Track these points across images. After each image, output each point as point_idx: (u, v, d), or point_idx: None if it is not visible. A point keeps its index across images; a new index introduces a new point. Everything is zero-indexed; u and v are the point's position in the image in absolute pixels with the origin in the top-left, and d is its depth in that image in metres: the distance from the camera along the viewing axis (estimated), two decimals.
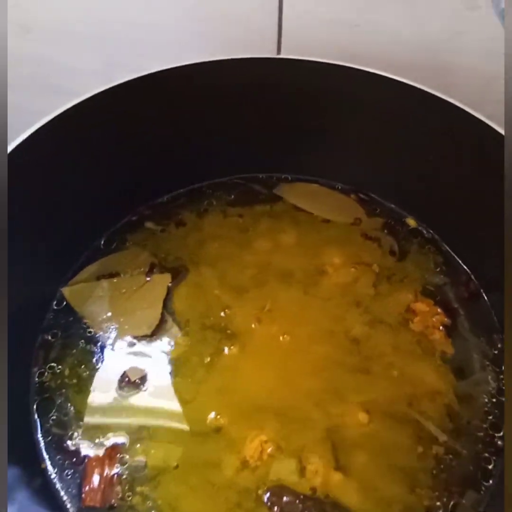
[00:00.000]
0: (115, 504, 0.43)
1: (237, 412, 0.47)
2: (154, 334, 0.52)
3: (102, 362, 0.51)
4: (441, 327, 0.53)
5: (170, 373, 0.50)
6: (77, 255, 0.58)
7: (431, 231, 0.61)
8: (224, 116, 0.57)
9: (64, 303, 0.55)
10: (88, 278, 0.56)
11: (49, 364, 0.51)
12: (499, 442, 0.46)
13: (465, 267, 0.58)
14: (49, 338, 0.53)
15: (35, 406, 0.49)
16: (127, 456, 0.45)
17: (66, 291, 0.55)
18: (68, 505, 0.44)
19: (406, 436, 0.47)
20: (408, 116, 0.53)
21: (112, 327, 0.53)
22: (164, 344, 0.52)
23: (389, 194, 0.63)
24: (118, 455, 0.45)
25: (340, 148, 0.60)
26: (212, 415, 0.47)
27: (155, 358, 0.51)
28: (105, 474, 0.44)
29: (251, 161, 0.64)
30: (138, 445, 0.46)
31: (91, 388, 0.49)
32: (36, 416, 0.48)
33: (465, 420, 0.48)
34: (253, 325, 0.52)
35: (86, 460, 0.45)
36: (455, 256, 0.58)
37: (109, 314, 0.54)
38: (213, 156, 0.62)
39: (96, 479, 0.44)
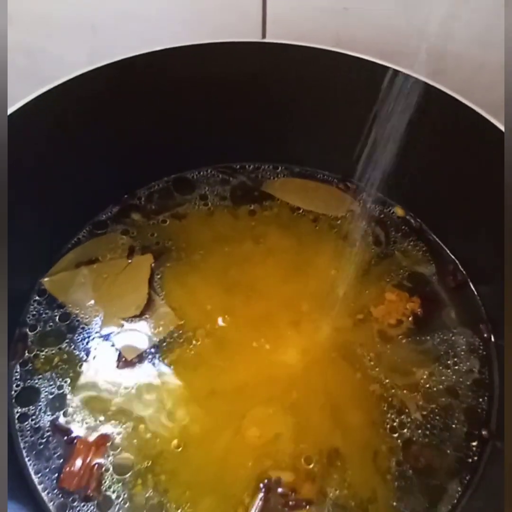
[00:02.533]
0: (91, 494, 0.42)
1: (236, 384, 0.47)
2: (143, 314, 0.51)
3: (93, 346, 0.50)
4: (410, 318, 0.51)
5: (166, 348, 0.49)
6: (58, 247, 0.56)
7: (419, 220, 0.59)
8: (207, 103, 0.55)
9: (46, 294, 0.53)
10: (67, 266, 0.55)
11: (35, 353, 0.49)
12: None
13: (452, 257, 0.56)
14: (32, 329, 0.51)
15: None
16: (114, 452, 0.44)
17: (46, 282, 0.54)
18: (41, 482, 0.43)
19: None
20: (398, 104, 0.50)
21: (99, 312, 0.52)
22: (155, 322, 0.51)
23: (377, 184, 0.61)
24: (107, 444, 0.44)
25: (326, 136, 0.58)
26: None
27: (148, 335, 0.50)
28: (88, 460, 0.43)
29: (237, 149, 0.63)
30: (130, 440, 0.45)
31: (86, 372, 0.48)
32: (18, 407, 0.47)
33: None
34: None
35: (74, 441, 0.44)
36: (443, 246, 0.57)
37: (93, 300, 0.53)
38: (196, 144, 0.60)
39: (78, 463, 0.43)
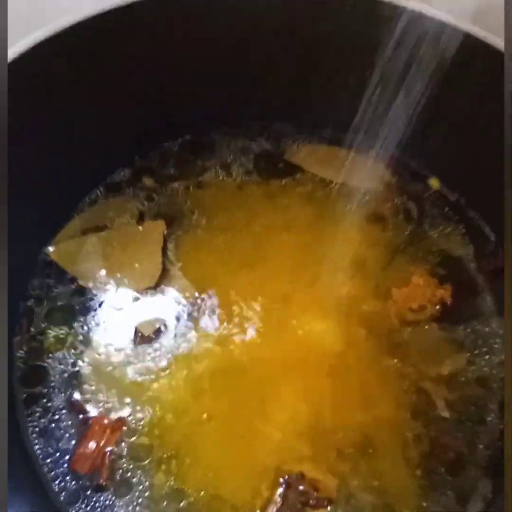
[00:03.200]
0: (104, 484, 0.40)
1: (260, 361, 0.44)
2: (158, 285, 0.48)
3: (107, 322, 0.47)
4: (437, 306, 0.47)
5: (185, 322, 0.47)
6: (62, 212, 0.52)
7: (457, 194, 0.54)
8: (222, 56, 0.49)
9: (52, 265, 0.49)
10: (73, 233, 0.51)
11: (42, 330, 0.46)
12: None
13: (494, 237, 0.51)
14: (38, 304, 0.48)
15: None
16: (132, 436, 0.42)
17: (51, 251, 0.50)
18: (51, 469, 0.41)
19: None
20: (433, 54, 0.44)
21: (110, 284, 0.49)
22: (171, 294, 0.48)
23: (410, 149, 0.55)
24: (124, 427, 0.42)
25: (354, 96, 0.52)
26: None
27: (165, 309, 0.48)
28: (102, 443, 0.41)
29: (261, 108, 0.56)
30: (149, 423, 0.42)
31: (101, 350, 0.46)
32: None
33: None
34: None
35: (90, 422, 0.42)
36: (484, 224, 0.52)
37: (104, 271, 0.49)
38: (213, 102, 0.53)
39: (92, 445, 0.41)
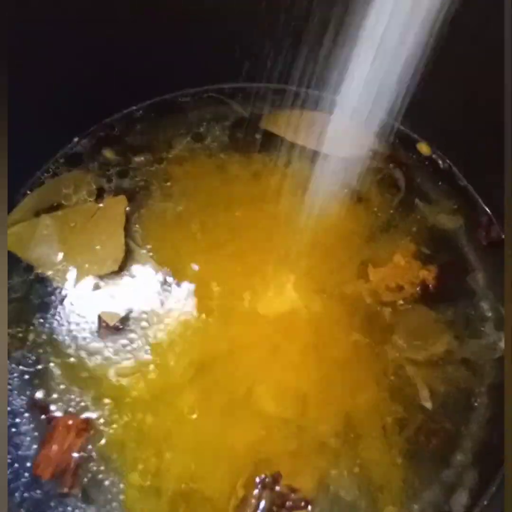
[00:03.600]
0: (66, 491, 0.37)
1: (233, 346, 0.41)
2: (122, 269, 0.44)
3: (68, 313, 0.43)
4: (417, 288, 0.44)
5: (154, 308, 0.43)
6: (10, 193, 0.46)
7: (448, 161, 0.49)
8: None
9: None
10: (24, 216, 0.46)
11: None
12: None
13: (487, 209, 0.47)
14: None
15: None
16: (99, 436, 0.39)
17: None
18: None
19: None
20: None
21: (69, 268, 0.45)
22: (137, 278, 0.44)
23: (397, 112, 0.50)
24: (90, 428, 0.39)
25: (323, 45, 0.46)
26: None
27: (132, 294, 0.44)
28: (66, 446, 0.38)
29: (230, 64, 0.50)
30: (117, 421, 0.39)
31: (64, 344, 0.42)
32: None
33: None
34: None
35: (52, 422, 0.39)
36: (476, 194, 0.48)
37: (61, 256, 0.45)
38: (183, 58, 0.48)
39: (55, 448, 0.38)
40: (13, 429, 0.39)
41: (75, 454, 0.38)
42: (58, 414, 0.39)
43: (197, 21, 0.46)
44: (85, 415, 0.39)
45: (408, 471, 0.38)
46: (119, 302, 0.43)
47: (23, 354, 0.41)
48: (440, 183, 0.48)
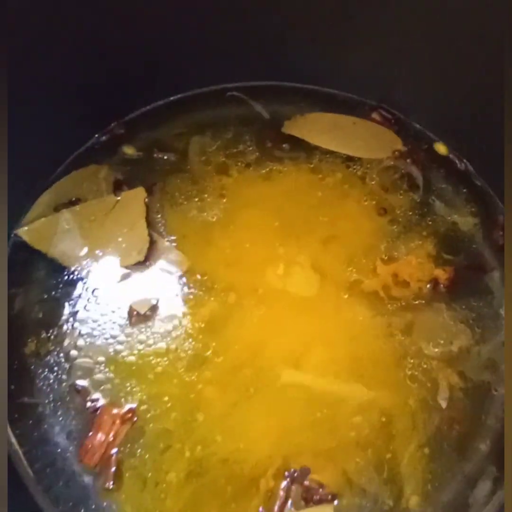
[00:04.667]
0: (109, 486, 0.38)
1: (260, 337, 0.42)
2: (148, 259, 0.45)
3: (98, 305, 0.44)
4: (427, 285, 0.45)
5: (181, 296, 0.44)
6: (29, 190, 0.47)
7: (465, 161, 0.51)
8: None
9: (26, 248, 0.45)
10: (44, 211, 0.47)
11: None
12: None
13: (503, 207, 0.48)
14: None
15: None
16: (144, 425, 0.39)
17: (23, 232, 0.46)
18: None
19: None
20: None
21: (95, 261, 0.45)
22: (163, 267, 0.45)
23: (417, 111, 0.51)
24: (134, 418, 0.40)
25: (361, 51, 0.48)
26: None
27: (159, 283, 0.45)
28: (111, 435, 0.39)
29: (252, 65, 0.52)
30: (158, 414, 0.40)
31: (99, 335, 0.43)
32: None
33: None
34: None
35: (97, 412, 0.40)
36: (493, 193, 0.49)
37: (85, 249, 0.45)
38: (202, 56, 0.48)
39: (101, 437, 0.39)
40: (60, 419, 0.40)
41: (116, 450, 0.38)
42: (102, 403, 0.40)
43: (220, 19, 0.46)
44: (129, 404, 0.40)
45: (432, 462, 0.39)
46: (148, 291, 0.44)
47: (61, 348, 0.42)
48: (457, 183, 0.49)
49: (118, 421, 0.39)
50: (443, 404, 0.40)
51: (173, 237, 0.46)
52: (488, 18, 0.39)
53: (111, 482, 0.38)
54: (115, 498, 0.38)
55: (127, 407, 0.40)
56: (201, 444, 0.39)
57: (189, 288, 0.44)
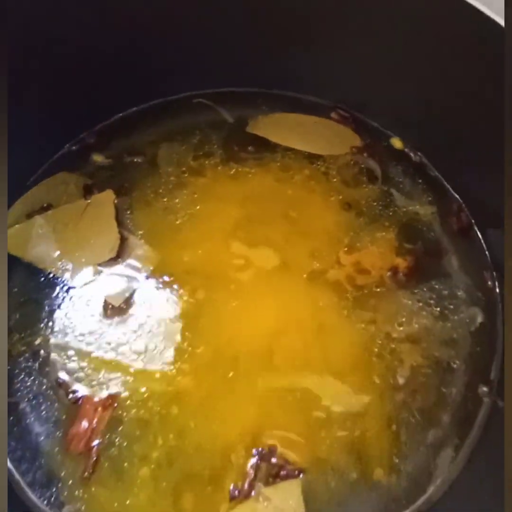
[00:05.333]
0: (87, 475, 0.39)
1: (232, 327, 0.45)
2: (120, 255, 0.48)
3: (75, 301, 0.46)
4: (388, 272, 0.48)
5: (154, 287, 0.46)
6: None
7: (419, 154, 0.54)
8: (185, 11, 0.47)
9: None
10: (17, 219, 0.49)
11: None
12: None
13: (457, 196, 0.52)
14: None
15: None
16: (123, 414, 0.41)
17: None
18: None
19: None
20: (399, 14, 0.43)
21: (69, 262, 0.47)
22: (135, 262, 0.48)
23: (373, 110, 0.54)
24: (114, 404, 0.42)
25: (319, 54, 0.51)
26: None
27: (131, 277, 0.47)
28: (94, 422, 0.41)
29: (219, 72, 0.54)
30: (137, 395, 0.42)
31: (75, 331, 0.45)
32: None
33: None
34: None
35: (80, 401, 0.42)
36: (446, 184, 0.52)
37: (60, 251, 0.48)
38: (171, 65, 0.52)
39: (85, 424, 0.41)
40: (42, 414, 0.42)
41: (98, 441, 0.40)
42: (83, 393, 0.42)
43: (187, 29, 0.49)
44: (108, 392, 0.42)
45: (398, 437, 0.41)
46: (121, 285, 0.46)
47: (39, 346, 0.44)
48: (413, 175, 0.52)
49: (100, 408, 0.41)
50: (404, 380, 0.43)
51: (142, 234, 0.48)
52: (433, 19, 0.42)
53: (90, 471, 0.39)
54: (91, 486, 0.39)
55: (106, 393, 0.42)
56: (176, 432, 0.41)
57: (160, 282, 0.46)
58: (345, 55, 0.50)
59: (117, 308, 0.45)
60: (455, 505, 0.38)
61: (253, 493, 0.38)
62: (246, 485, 0.38)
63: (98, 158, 0.53)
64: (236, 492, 0.38)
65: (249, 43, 0.51)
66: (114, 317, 0.45)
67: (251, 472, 0.39)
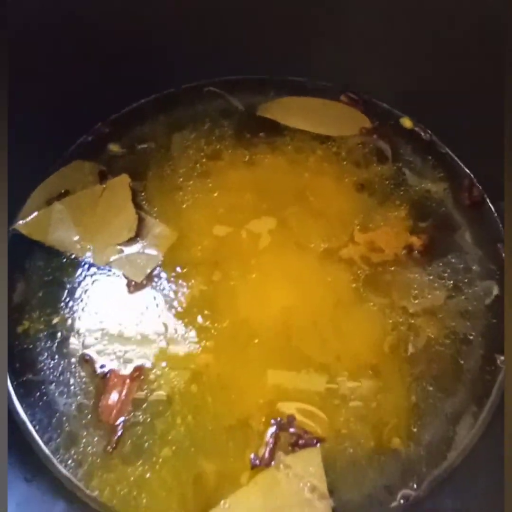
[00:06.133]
0: (110, 450, 0.41)
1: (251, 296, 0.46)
2: (138, 235, 0.49)
3: (96, 278, 0.48)
4: (403, 250, 0.48)
5: (174, 263, 0.48)
6: (21, 187, 0.51)
7: (429, 132, 0.55)
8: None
9: (24, 242, 0.49)
10: (37, 206, 0.51)
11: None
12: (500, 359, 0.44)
13: (468, 171, 0.52)
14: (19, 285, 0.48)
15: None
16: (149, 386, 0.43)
17: (20, 226, 0.50)
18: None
19: None
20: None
21: (90, 244, 0.49)
22: (153, 240, 0.49)
23: (382, 92, 0.55)
24: (141, 377, 0.43)
25: (328, 41, 0.52)
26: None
27: (150, 255, 0.48)
28: (124, 393, 0.43)
29: (229, 60, 0.56)
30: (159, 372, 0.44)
31: (100, 308, 0.47)
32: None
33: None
34: None
35: (108, 375, 0.43)
36: (457, 160, 0.53)
37: (80, 235, 0.49)
38: (183, 56, 0.53)
39: (115, 396, 0.42)
40: (70, 388, 0.43)
41: (122, 418, 0.42)
42: (110, 368, 0.44)
43: (193, 21, 0.51)
44: (133, 365, 0.43)
45: (414, 405, 0.42)
46: (142, 262, 0.48)
47: (65, 325, 0.46)
48: (423, 153, 0.53)
49: (128, 380, 0.43)
50: (421, 352, 0.43)
51: (158, 214, 0.50)
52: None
53: (113, 446, 0.40)
54: (113, 459, 0.41)
55: (133, 365, 0.43)
56: (196, 407, 0.42)
57: (178, 260, 0.48)
58: (353, 41, 0.51)
59: (139, 284, 0.47)
60: (474, 471, 0.39)
61: (273, 462, 0.39)
62: (266, 454, 0.39)
63: (114, 148, 0.54)
64: (257, 461, 0.39)
65: (258, 32, 0.52)
66: (136, 292, 0.47)
67: (271, 441, 0.39)
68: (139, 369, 0.43)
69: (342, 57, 0.53)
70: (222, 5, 0.50)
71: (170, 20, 0.50)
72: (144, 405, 0.42)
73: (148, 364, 0.44)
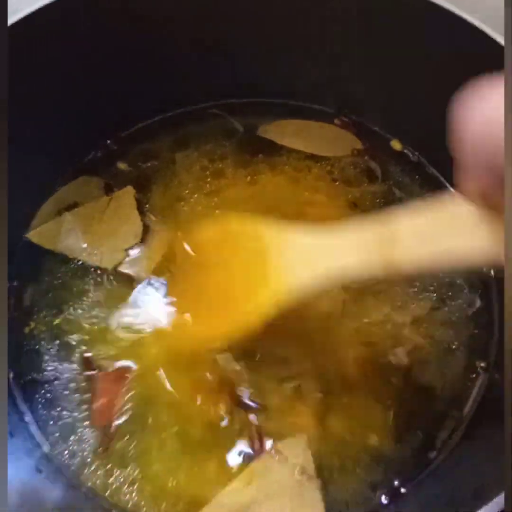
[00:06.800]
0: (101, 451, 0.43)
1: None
2: (144, 241, 0.53)
3: (104, 280, 0.51)
4: None
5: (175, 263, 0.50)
6: (34, 200, 0.55)
7: (417, 154, 0.58)
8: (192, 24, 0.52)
9: (34, 251, 0.53)
10: (48, 216, 0.55)
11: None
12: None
13: (451, 189, 0.55)
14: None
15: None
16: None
17: (32, 235, 0.53)
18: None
19: None
20: (397, 27, 0.48)
21: (97, 249, 0.52)
22: (158, 242, 0.53)
23: (373, 116, 0.59)
24: (127, 375, 0.45)
25: (321, 65, 0.56)
26: None
27: (156, 256, 0.52)
28: (112, 393, 0.45)
29: (227, 84, 0.60)
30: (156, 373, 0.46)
31: (101, 308, 0.50)
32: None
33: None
34: None
35: (103, 376, 0.46)
36: (443, 180, 0.56)
37: (88, 243, 0.53)
38: (182, 77, 0.57)
39: (103, 401, 0.45)
40: (69, 388, 0.46)
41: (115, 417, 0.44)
42: (108, 368, 0.46)
43: (197, 45, 0.55)
44: (119, 364, 0.46)
45: (395, 409, 0.44)
46: (146, 264, 0.51)
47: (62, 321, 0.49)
48: (412, 173, 0.57)
49: (121, 381, 0.45)
50: (404, 359, 0.46)
51: (162, 223, 0.54)
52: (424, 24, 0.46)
53: (105, 447, 0.43)
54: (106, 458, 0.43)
55: (117, 365, 0.46)
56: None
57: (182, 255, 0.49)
58: (344, 68, 0.55)
59: (142, 285, 0.50)
60: (454, 471, 0.41)
61: (265, 449, 0.42)
62: (257, 443, 0.42)
63: (122, 165, 0.58)
64: (250, 450, 0.42)
65: (260, 59, 0.56)
66: (138, 293, 0.50)
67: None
68: (123, 370, 0.45)
69: (337, 85, 0.57)
70: (230, 36, 0.54)
71: (185, 49, 0.54)
72: (136, 405, 0.44)
73: (147, 365, 0.46)
